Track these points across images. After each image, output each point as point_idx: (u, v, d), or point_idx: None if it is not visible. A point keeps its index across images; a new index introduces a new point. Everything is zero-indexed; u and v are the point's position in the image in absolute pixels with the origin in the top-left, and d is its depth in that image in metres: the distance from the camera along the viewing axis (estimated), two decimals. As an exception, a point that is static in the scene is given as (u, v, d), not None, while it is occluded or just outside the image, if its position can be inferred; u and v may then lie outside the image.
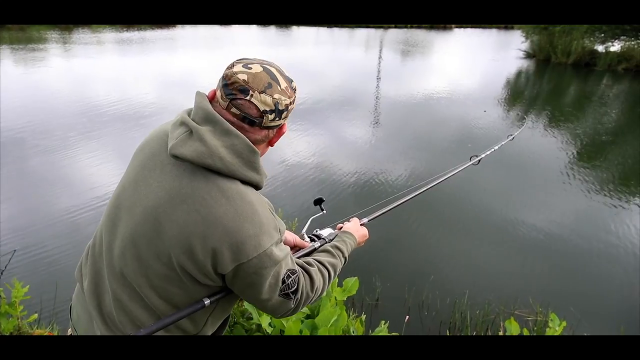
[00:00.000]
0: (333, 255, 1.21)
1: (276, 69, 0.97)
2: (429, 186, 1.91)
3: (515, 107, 10.21)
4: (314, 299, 1.10)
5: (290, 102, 0.97)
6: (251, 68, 0.94)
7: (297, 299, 1.04)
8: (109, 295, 1.01)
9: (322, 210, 1.55)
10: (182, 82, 11.16)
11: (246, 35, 24.67)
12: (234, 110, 0.93)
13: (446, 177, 2.07)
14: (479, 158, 2.41)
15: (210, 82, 1.12)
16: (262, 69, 0.94)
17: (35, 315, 2.28)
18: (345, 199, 4.95)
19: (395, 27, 31.32)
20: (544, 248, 4.09)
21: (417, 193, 1.81)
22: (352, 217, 1.47)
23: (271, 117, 0.94)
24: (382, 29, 29.93)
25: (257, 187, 0.99)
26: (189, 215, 0.90)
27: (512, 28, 27.73)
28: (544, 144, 7.26)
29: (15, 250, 3.60)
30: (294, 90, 0.99)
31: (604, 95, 11.74)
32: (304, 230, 1.40)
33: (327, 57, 17.72)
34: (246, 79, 0.92)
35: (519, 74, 14.90)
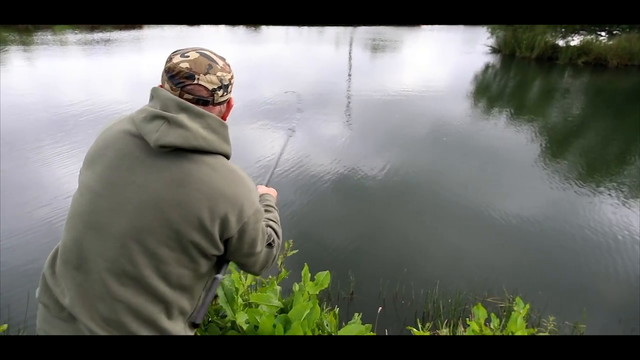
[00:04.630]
0: (270, 211, 1.39)
1: (210, 52, 1.09)
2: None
3: (483, 100, 10.48)
4: (281, 244, 1.30)
5: (231, 77, 1.10)
6: (189, 56, 1.04)
7: (276, 246, 1.24)
8: (106, 301, 1.00)
9: None
10: (153, 83, 10.89)
11: (215, 34, 24.35)
12: (187, 96, 1.04)
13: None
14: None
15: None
16: (198, 54, 1.05)
17: (5, 326, 2.22)
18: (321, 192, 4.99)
19: (364, 24, 31.53)
20: (515, 236, 4.24)
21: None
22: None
23: (220, 93, 1.07)
24: (351, 27, 30.08)
25: (228, 157, 1.10)
26: (190, 195, 0.98)
27: (478, 24, 28.32)
28: (514, 135, 7.49)
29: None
30: (229, 65, 1.11)
31: (566, 88, 12.17)
32: None
33: (298, 54, 17.70)
34: (189, 66, 1.03)
35: (486, 68, 15.26)
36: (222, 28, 27.75)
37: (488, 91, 11.83)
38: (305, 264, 1.94)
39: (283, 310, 1.77)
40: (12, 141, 6.43)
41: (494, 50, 18.34)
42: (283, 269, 2.04)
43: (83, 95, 9.37)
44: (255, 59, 15.72)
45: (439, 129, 7.62)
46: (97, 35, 20.90)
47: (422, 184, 5.37)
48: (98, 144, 1.08)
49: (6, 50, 15.80)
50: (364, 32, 26.83)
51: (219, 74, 1.06)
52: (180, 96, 1.03)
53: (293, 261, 2.22)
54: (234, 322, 1.82)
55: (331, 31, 27.58)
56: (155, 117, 1.00)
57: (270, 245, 1.22)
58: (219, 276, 1.15)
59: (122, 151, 1.02)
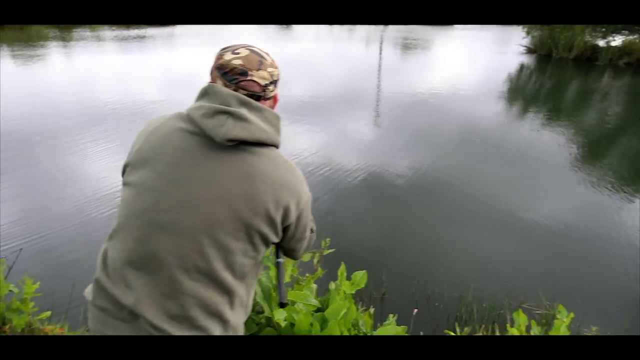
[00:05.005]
0: None
1: (257, 48, 1.12)
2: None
3: (518, 102, 10.21)
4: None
5: (278, 72, 1.14)
6: (239, 53, 1.08)
7: (315, 231, 1.31)
8: (175, 298, 1.00)
9: None
10: (187, 80, 11.07)
11: (246, 32, 24.62)
12: (241, 91, 1.07)
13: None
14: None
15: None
16: (248, 51, 1.09)
17: (48, 313, 2.30)
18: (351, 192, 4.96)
19: (396, 23, 31.19)
20: (552, 242, 4.11)
21: None
22: None
23: (271, 88, 1.11)
24: (382, 25, 29.85)
25: (278, 147, 1.14)
26: (258, 187, 1.02)
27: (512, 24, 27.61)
28: (549, 138, 7.26)
29: (21, 249, 3.63)
30: (275, 61, 1.15)
31: (606, 91, 11.72)
32: None
33: (328, 53, 17.69)
34: (242, 62, 1.06)
35: (521, 69, 14.86)
36: (253, 25, 28.03)
37: (523, 92, 11.52)
38: (342, 263, 1.93)
39: (320, 309, 1.77)
40: (53, 137, 6.67)
41: (529, 51, 17.83)
42: (319, 268, 2.03)
43: (121, 92, 9.64)
44: (286, 56, 15.81)
45: (472, 130, 7.46)
46: (133, 32, 21.49)
47: (456, 185, 5.27)
48: (151, 143, 1.06)
49: (48, 47, 16.43)
50: (394, 31, 26.58)
51: (269, 69, 1.09)
52: (235, 92, 1.06)
53: (323, 259, 2.21)
54: (269, 319, 1.82)
55: (362, 30, 27.44)
56: (217, 112, 1.01)
57: (312, 230, 1.29)
58: (281, 260, 1.23)
59: (182, 148, 1.02)
